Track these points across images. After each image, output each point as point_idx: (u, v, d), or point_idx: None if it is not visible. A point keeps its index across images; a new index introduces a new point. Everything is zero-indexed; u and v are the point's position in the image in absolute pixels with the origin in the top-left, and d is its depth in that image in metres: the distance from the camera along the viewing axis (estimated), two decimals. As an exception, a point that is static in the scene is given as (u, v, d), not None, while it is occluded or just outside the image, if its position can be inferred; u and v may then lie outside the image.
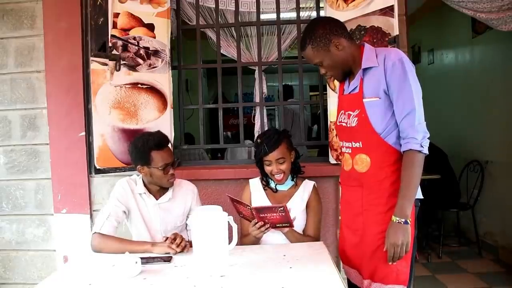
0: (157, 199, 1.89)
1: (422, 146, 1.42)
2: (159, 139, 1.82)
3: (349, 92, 1.59)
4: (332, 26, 1.52)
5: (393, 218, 1.42)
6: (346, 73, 1.60)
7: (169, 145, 1.88)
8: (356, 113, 1.53)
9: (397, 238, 1.40)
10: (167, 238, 1.67)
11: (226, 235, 1.46)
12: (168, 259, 1.57)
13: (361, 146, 1.54)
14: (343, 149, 1.65)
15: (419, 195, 1.55)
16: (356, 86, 1.55)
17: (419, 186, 1.51)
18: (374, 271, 1.52)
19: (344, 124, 1.60)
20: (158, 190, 1.90)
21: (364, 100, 1.50)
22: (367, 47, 1.55)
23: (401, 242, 1.40)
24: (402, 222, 1.40)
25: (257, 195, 1.95)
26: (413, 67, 1.48)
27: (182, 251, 1.64)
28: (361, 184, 1.55)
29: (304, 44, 1.55)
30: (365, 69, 1.52)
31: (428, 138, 1.46)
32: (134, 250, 1.62)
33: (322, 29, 1.51)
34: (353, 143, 1.57)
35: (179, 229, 1.92)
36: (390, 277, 1.48)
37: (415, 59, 5.26)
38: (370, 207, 1.53)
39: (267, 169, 1.87)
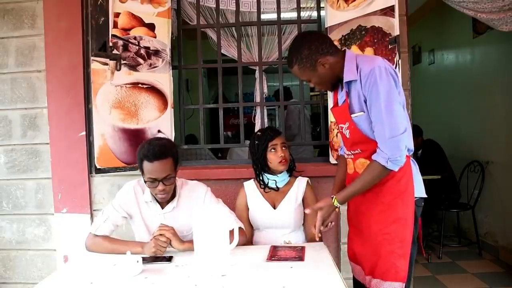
0: (162, 208, 1.79)
1: (388, 162, 1.42)
2: (152, 150, 1.63)
3: (340, 105, 1.63)
4: (317, 45, 1.52)
5: (335, 201, 1.52)
6: (336, 84, 1.63)
7: (166, 159, 1.64)
8: (346, 125, 1.58)
9: (329, 218, 1.56)
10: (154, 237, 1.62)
11: (227, 235, 1.46)
12: (169, 259, 1.57)
13: (360, 151, 1.57)
14: (345, 155, 1.69)
15: (423, 194, 1.58)
16: (344, 100, 1.58)
17: (423, 185, 1.57)
18: (374, 267, 1.54)
19: (344, 133, 1.64)
20: None
21: (352, 115, 1.53)
22: (348, 56, 1.54)
23: (329, 220, 1.57)
24: (338, 208, 1.55)
25: (253, 196, 1.97)
26: (389, 76, 1.43)
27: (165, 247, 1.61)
28: None
29: (291, 63, 1.57)
30: (348, 82, 1.53)
31: (407, 153, 1.45)
32: (126, 251, 1.54)
33: (307, 49, 1.52)
34: (352, 151, 1.62)
35: (186, 238, 1.74)
36: (389, 274, 1.50)
37: (416, 59, 5.25)
38: (371, 206, 1.56)
39: (272, 157, 1.89)
